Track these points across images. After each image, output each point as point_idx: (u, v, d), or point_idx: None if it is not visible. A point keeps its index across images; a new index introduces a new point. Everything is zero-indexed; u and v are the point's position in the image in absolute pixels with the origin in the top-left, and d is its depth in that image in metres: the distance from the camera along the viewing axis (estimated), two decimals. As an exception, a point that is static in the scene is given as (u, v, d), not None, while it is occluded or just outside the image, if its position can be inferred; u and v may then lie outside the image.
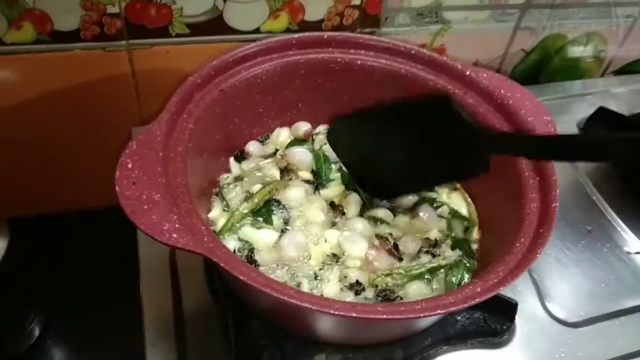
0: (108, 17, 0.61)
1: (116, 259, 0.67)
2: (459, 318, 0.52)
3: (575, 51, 0.82)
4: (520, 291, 0.58)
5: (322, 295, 0.47)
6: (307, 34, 0.58)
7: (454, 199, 0.57)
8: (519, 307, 0.55)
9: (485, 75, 0.56)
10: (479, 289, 0.39)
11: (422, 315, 0.37)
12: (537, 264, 0.60)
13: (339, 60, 0.58)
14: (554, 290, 0.59)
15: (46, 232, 0.74)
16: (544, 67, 0.83)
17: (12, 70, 0.62)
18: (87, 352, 0.72)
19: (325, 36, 0.58)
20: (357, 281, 0.48)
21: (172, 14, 0.63)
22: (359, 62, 0.58)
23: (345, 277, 0.48)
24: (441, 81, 0.57)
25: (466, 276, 0.49)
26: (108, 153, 0.71)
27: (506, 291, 0.56)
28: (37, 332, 0.70)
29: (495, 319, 0.53)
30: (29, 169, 0.70)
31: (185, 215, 0.41)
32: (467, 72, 0.56)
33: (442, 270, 0.49)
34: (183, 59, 0.67)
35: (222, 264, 0.37)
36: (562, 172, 0.70)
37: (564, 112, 0.80)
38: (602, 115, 0.75)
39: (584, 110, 0.79)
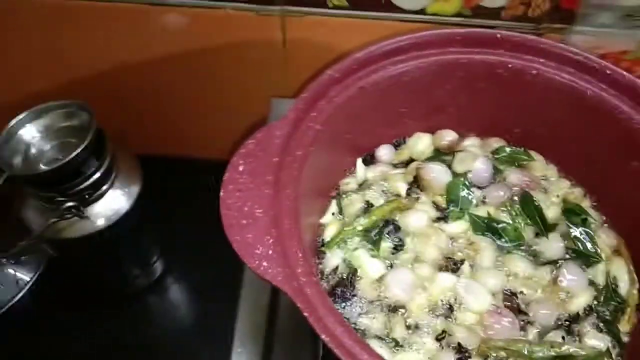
0: (266, -21, 0.57)
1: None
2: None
3: None
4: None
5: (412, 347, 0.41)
6: (475, 30, 0.49)
7: (615, 266, 0.45)
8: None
9: None
10: None
11: None
12: None
13: (510, 66, 0.48)
14: None
15: (175, 174, 0.76)
16: None
17: (164, 20, 0.62)
18: (202, 297, 0.74)
19: (498, 36, 0.48)
20: (461, 345, 0.41)
21: (334, -17, 0.57)
22: (534, 71, 0.48)
23: (450, 335, 0.41)
24: (638, 117, 0.44)
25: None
26: (244, 115, 0.71)
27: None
28: (159, 271, 0.74)
29: None
30: (169, 112, 0.73)
31: (284, 236, 0.37)
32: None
33: (574, 361, 0.40)
34: (337, 33, 0.62)
35: (306, 313, 0.32)
36: None
37: None
38: None
39: None
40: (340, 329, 0.33)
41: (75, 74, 0.68)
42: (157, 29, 0.63)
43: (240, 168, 0.39)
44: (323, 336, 0.32)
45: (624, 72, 0.45)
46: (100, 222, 0.60)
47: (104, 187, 0.59)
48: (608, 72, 0.45)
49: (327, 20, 0.60)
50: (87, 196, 0.58)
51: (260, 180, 0.38)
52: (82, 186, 0.57)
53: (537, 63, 0.48)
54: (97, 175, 0.58)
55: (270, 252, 0.35)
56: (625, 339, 0.42)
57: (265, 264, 0.34)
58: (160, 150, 0.74)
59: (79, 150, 0.53)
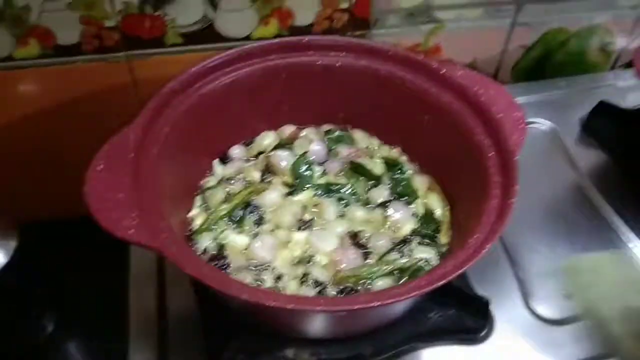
0: (106, 30, 0.65)
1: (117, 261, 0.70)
2: (430, 315, 0.53)
3: (580, 45, 0.80)
4: (503, 287, 0.58)
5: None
6: (286, 38, 0.60)
7: (430, 199, 0.57)
8: (500, 303, 0.56)
9: (460, 72, 0.56)
10: (423, 282, 0.40)
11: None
12: (523, 259, 0.60)
13: (319, 63, 0.60)
14: (538, 287, 0.58)
15: (56, 236, 0.78)
16: (547, 63, 0.82)
17: (21, 83, 0.67)
18: (99, 346, 0.76)
19: (305, 40, 0.60)
20: (317, 280, 0.49)
21: (166, 25, 0.66)
22: (338, 64, 0.60)
23: (308, 274, 0.50)
24: (418, 80, 0.57)
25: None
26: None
27: (488, 286, 0.57)
28: (50, 328, 0.75)
29: (469, 316, 0.53)
30: (37, 176, 0.75)
31: (148, 213, 0.43)
32: (443, 71, 0.56)
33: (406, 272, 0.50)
34: (179, 67, 0.69)
35: (171, 258, 0.39)
36: (561, 172, 0.70)
37: (569, 107, 0.78)
38: (603, 110, 0.72)
39: (590, 105, 0.77)
40: (207, 268, 0.40)
41: None
42: (10, 93, 0.68)
43: (100, 167, 0.45)
44: (191, 272, 0.38)
45: (400, 50, 0.58)
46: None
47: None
48: (390, 52, 0.58)
49: (168, 58, 0.69)
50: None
51: (119, 171, 0.45)
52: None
53: (340, 57, 0.60)
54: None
55: (135, 223, 0.41)
56: (444, 249, 0.53)
57: (131, 231, 0.41)
58: (39, 215, 0.76)
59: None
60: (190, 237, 0.54)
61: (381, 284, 0.49)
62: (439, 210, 0.56)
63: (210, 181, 0.59)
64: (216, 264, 0.51)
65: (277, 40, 0.59)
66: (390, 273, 0.50)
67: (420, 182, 0.59)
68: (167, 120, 0.52)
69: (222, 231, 0.54)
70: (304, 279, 0.50)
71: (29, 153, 0.74)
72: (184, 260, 0.39)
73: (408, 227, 0.54)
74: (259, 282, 0.50)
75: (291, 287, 0.49)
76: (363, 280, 0.50)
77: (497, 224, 0.43)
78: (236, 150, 0.61)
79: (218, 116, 0.58)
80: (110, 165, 0.45)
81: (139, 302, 0.59)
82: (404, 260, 0.51)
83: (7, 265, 0.63)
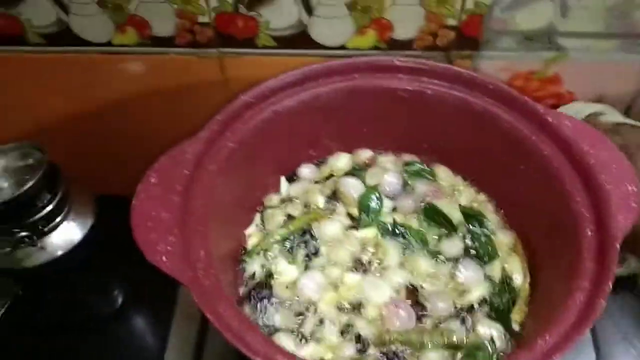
0: (199, 26, 0.64)
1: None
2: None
3: None
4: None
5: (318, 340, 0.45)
6: (375, 58, 0.55)
7: (511, 263, 0.49)
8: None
9: (569, 123, 0.47)
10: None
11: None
12: (613, 353, 0.50)
13: (409, 87, 0.54)
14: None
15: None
16: (693, 110, 0.68)
17: (116, 68, 0.69)
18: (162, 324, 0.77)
19: (396, 62, 0.54)
20: (360, 336, 0.44)
21: (259, 26, 0.64)
22: (429, 92, 0.53)
23: (351, 326, 0.45)
24: (517, 123, 0.50)
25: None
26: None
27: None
28: (120, 301, 0.78)
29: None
30: (118, 156, 0.77)
31: (187, 236, 0.41)
32: (548, 118, 0.48)
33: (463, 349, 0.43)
34: (269, 69, 0.67)
35: (196, 298, 0.37)
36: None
37: None
38: None
39: None
40: (230, 312, 0.37)
41: (36, 122, 0.74)
42: (105, 76, 0.69)
43: (152, 180, 0.44)
44: (210, 316, 0.36)
45: (504, 86, 0.50)
46: (56, 252, 0.64)
47: (58, 219, 0.64)
48: (490, 87, 0.51)
49: (259, 59, 0.67)
50: (41, 227, 0.62)
51: (169, 189, 0.43)
52: (35, 217, 0.62)
53: (432, 84, 0.53)
54: (50, 207, 0.63)
55: (169, 248, 0.39)
56: (516, 327, 0.46)
57: (164, 258, 0.39)
58: (118, 190, 0.78)
59: (29, 184, 0.58)
60: (241, 256, 0.51)
61: (431, 356, 0.43)
62: (519, 278, 0.49)
63: (273, 199, 0.56)
64: (259, 293, 0.48)
65: (365, 59, 0.54)
66: (445, 345, 0.44)
67: (503, 240, 0.51)
68: (233, 135, 0.50)
69: (274, 258, 0.51)
70: (346, 330, 0.46)
71: (113, 133, 0.76)
72: (208, 302, 0.37)
73: (478, 292, 0.47)
74: (298, 323, 0.46)
75: (331, 338, 0.45)
76: (411, 347, 0.44)
77: (576, 328, 0.35)
78: (306, 170, 0.58)
79: (291, 134, 0.55)
80: (163, 180, 0.44)
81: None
82: (464, 334, 0.45)
83: (83, 241, 0.66)
